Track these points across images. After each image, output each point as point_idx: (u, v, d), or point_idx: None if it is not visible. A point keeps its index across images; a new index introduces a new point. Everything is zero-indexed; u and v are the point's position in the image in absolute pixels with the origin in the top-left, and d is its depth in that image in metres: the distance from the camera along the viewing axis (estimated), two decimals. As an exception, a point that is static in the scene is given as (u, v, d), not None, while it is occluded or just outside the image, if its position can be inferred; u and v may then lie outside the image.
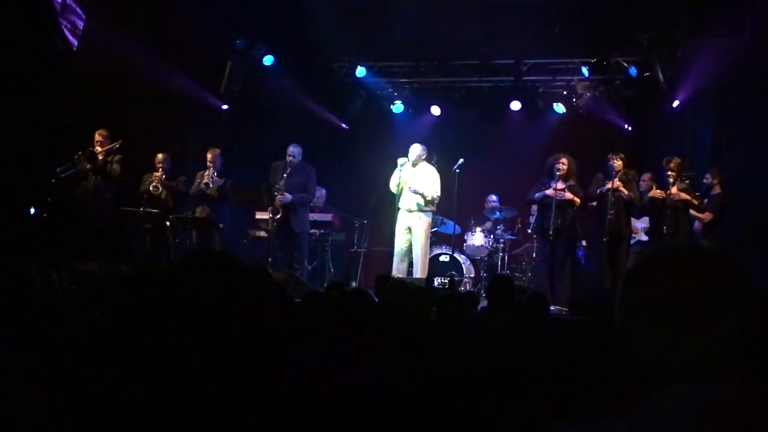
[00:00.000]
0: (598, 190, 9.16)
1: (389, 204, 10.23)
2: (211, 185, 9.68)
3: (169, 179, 9.86)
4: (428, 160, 10.10)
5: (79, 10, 9.47)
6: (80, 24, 9.49)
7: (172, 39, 10.45)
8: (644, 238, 9.90)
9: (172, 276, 2.05)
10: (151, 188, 9.60)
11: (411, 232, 9.84)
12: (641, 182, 9.20)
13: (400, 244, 9.86)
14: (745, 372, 1.34)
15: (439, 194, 9.85)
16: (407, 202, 9.80)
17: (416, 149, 9.91)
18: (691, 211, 9.05)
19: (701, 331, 1.34)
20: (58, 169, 9.44)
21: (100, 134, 9.60)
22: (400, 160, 9.87)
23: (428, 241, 10.10)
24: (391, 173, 10.00)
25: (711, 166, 9.55)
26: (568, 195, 9.08)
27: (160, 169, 9.75)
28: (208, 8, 10.71)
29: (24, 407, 2.33)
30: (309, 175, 9.71)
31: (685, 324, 1.34)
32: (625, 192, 8.94)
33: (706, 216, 9.02)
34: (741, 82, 9.88)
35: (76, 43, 9.44)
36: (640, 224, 9.92)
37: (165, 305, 2.05)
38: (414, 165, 9.88)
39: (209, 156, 9.82)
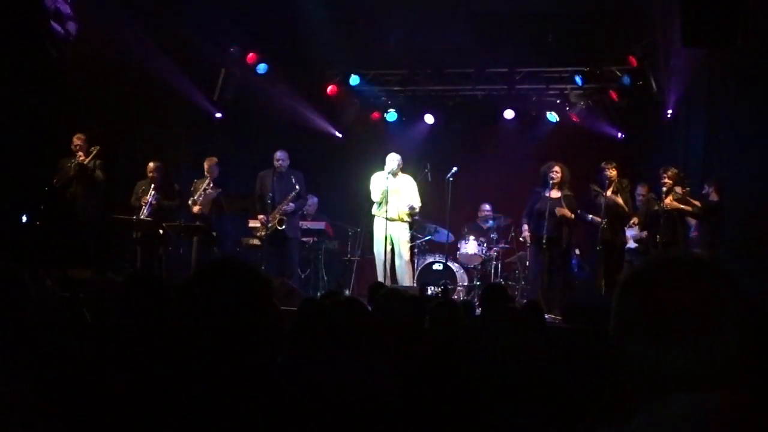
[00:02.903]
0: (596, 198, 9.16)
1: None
2: (202, 197, 9.60)
3: (160, 188, 9.69)
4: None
5: (72, 16, 9.43)
6: (73, 30, 9.45)
7: (166, 46, 10.45)
8: (633, 245, 9.87)
9: (193, 284, 2.04)
10: (143, 214, 9.47)
11: (393, 240, 9.93)
12: (638, 196, 9.17)
13: (383, 253, 9.95)
14: (738, 381, 1.34)
15: (420, 204, 10.10)
16: (392, 211, 9.88)
17: (396, 159, 10.06)
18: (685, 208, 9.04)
19: (696, 340, 1.33)
20: (54, 180, 9.41)
21: (78, 138, 9.48)
22: (387, 169, 9.97)
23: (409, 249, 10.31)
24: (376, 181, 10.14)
25: (709, 178, 9.55)
26: (565, 212, 9.08)
27: (152, 181, 9.60)
28: (202, 16, 10.71)
29: (15, 413, 2.31)
30: (300, 180, 9.80)
31: (679, 333, 1.34)
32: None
33: (692, 207, 9.00)
34: (734, 91, 9.91)
35: (68, 47, 9.39)
36: (630, 232, 9.90)
37: (179, 313, 2.04)
38: (395, 175, 9.95)
39: (206, 165, 9.77)
